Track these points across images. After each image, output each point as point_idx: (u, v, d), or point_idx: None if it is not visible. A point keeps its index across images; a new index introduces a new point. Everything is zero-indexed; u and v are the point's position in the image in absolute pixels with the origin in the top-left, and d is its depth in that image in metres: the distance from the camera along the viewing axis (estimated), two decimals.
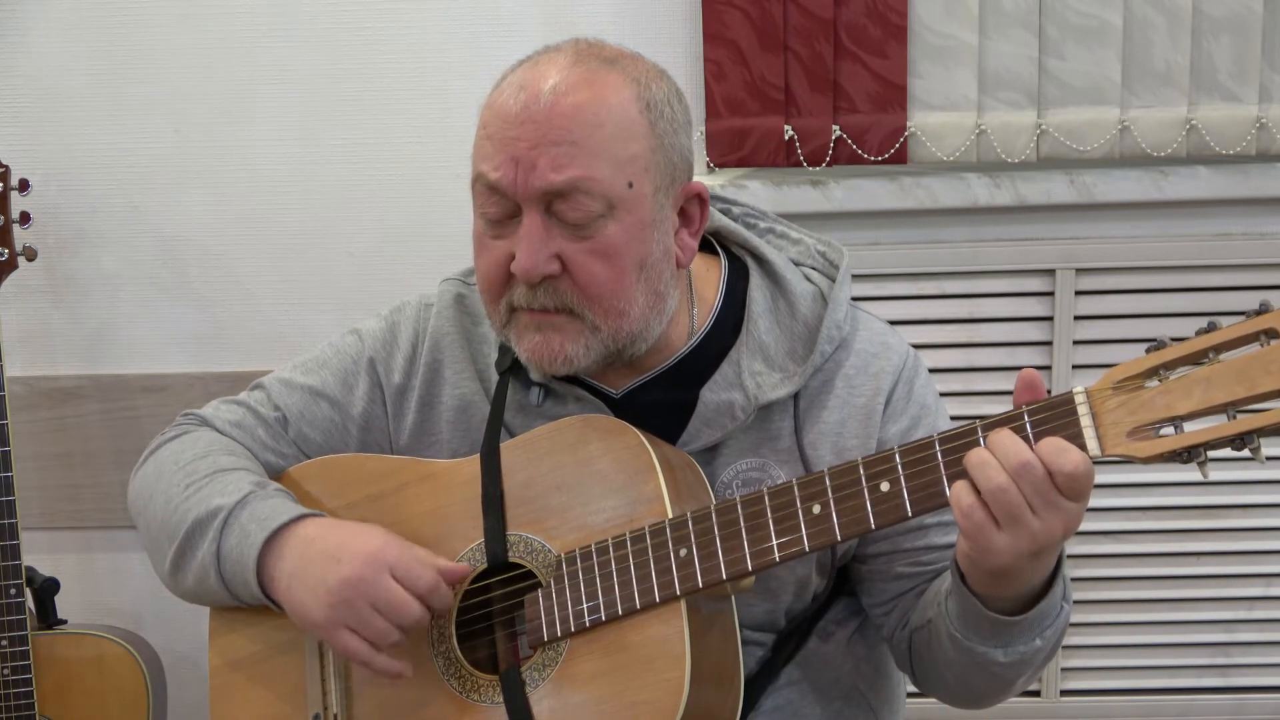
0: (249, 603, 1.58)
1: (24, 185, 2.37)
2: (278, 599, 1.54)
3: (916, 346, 1.69)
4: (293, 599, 1.52)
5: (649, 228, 1.49)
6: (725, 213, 1.67)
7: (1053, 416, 1.28)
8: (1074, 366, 2.57)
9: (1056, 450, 1.26)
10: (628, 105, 1.46)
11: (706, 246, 1.66)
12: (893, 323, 1.69)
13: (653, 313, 1.52)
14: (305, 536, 1.54)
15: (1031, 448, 1.27)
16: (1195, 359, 1.23)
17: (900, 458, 1.34)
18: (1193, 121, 2.43)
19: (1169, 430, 1.24)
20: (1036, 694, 2.70)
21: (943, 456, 1.32)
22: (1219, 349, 1.22)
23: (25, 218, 2.38)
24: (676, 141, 1.51)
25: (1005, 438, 1.28)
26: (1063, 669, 2.70)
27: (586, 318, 1.48)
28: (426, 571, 1.49)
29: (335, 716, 1.59)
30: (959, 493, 1.29)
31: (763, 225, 1.68)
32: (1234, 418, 1.21)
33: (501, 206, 1.47)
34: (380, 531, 1.53)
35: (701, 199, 1.55)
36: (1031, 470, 1.26)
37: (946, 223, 2.55)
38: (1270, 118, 2.42)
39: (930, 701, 2.65)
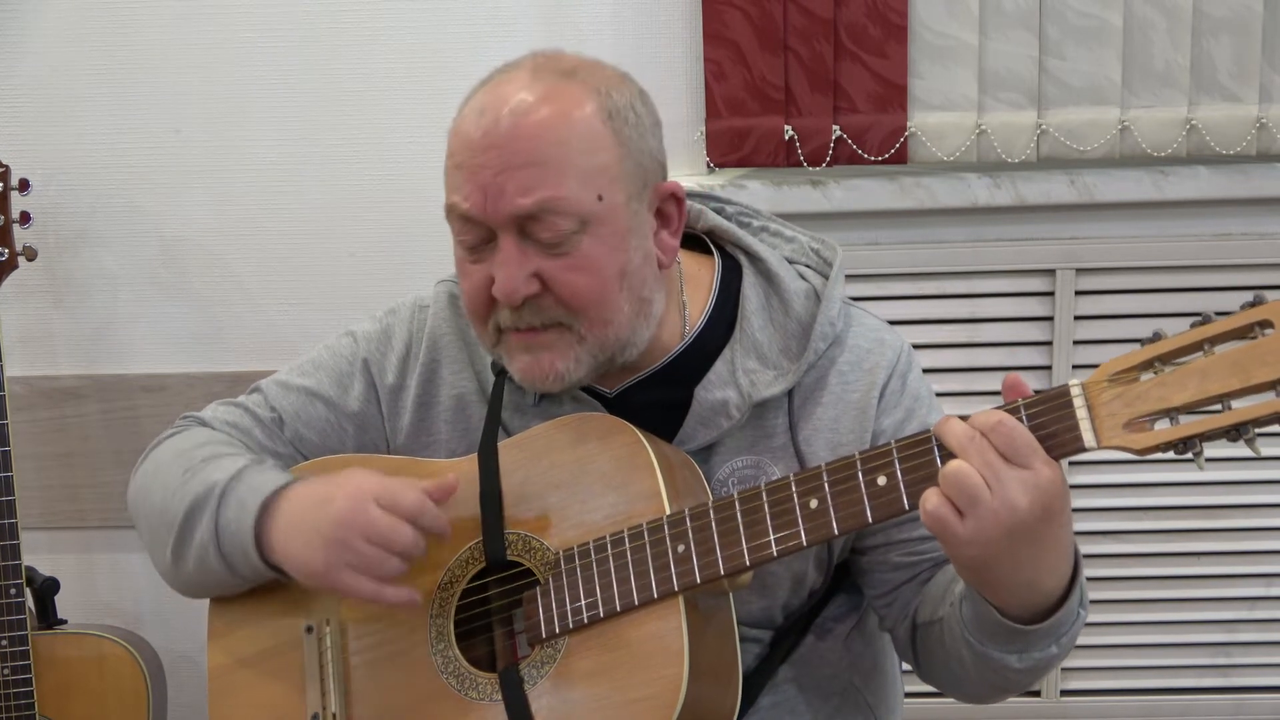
0: (249, 578, 1.58)
1: (24, 185, 2.37)
2: (276, 560, 1.54)
3: (917, 346, 1.69)
4: (291, 553, 1.52)
5: (625, 236, 1.48)
6: (719, 212, 1.67)
7: (1049, 409, 1.28)
8: (1074, 366, 2.57)
9: (981, 415, 1.27)
10: (590, 117, 1.46)
11: (701, 246, 1.66)
12: (893, 323, 1.69)
13: (639, 318, 1.51)
14: (296, 495, 1.55)
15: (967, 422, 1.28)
16: (1190, 351, 1.23)
17: (897, 452, 1.34)
18: (1193, 121, 2.43)
19: (1164, 422, 1.24)
20: (1037, 694, 2.70)
21: (939, 450, 1.32)
22: (1214, 341, 1.22)
23: (25, 218, 2.38)
24: (644, 145, 1.50)
25: (954, 425, 1.29)
26: (1063, 669, 2.69)
27: (575, 328, 1.48)
28: (410, 492, 1.48)
29: (334, 716, 1.58)
30: (925, 495, 1.29)
31: (756, 224, 1.68)
32: (1229, 409, 1.21)
33: (476, 233, 1.47)
34: (362, 470, 1.53)
35: (677, 198, 1.55)
36: (975, 441, 1.26)
37: (947, 223, 2.55)
38: (1270, 118, 2.42)
39: (929, 701, 2.64)
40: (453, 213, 1.48)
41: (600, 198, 1.45)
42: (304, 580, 1.54)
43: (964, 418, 1.30)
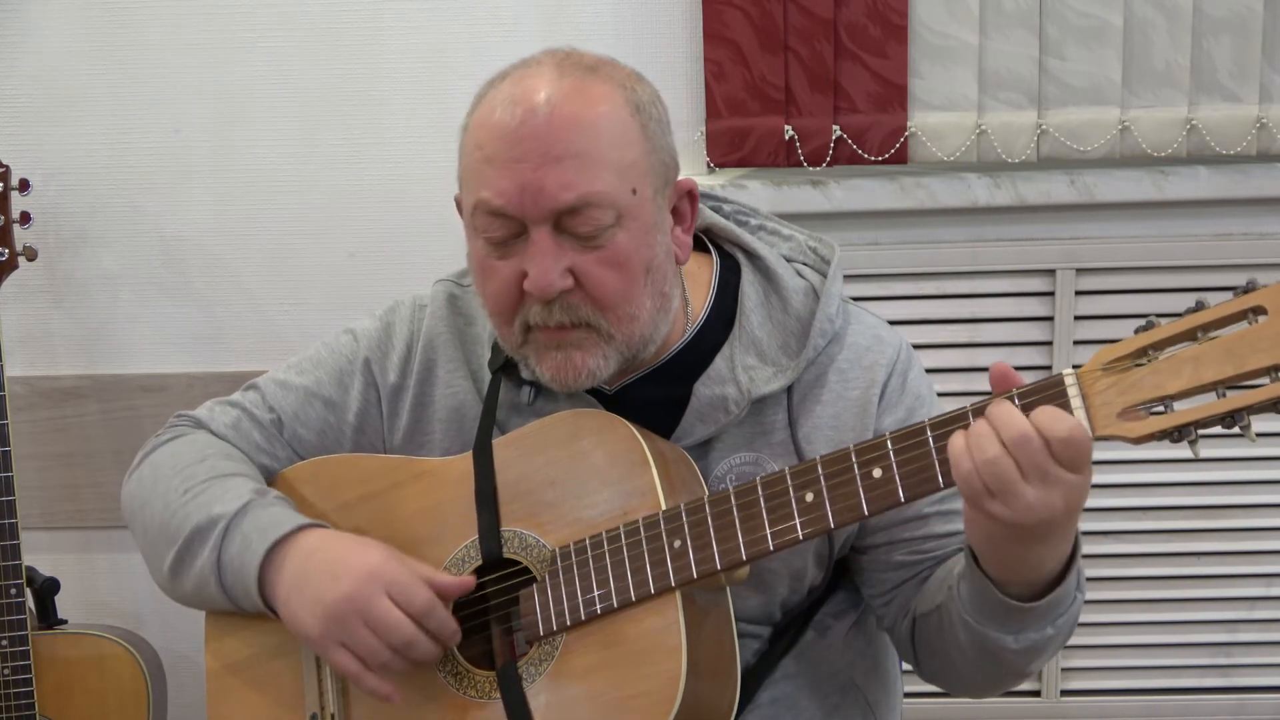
0: (248, 610, 1.58)
1: (24, 185, 2.37)
2: (276, 609, 1.54)
3: (917, 346, 1.69)
4: (290, 611, 1.52)
5: (652, 231, 1.49)
6: (716, 210, 1.67)
7: (1043, 399, 1.28)
8: (1074, 366, 2.56)
9: (1051, 418, 1.25)
10: (619, 111, 1.46)
11: (698, 244, 1.65)
12: (893, 323, 1.69)
13: (660, 314, 1.52)
14: (306, 549, 1.53)
15: (1029, 419, 1.26)
16: (1184, 338, 1.23)
17: (892, 444, 1.34)
18: (1193, 121, 2.43)
19: (1159, 410, 1.24)
20: (1036, 694, 2.69)
21: (934, 442, 1.32)
22: (1207, 328, 1.22)
23: (25, 218, 2.38)
24: (665, 142, 1.51)
25: (1004, 410, 1.27)
26: (1063, 669, 2.69)
27: (602, 328, 1.48)
28: (422, 591, 1.48)
29: (332, 716, 1.58)
30: (958, 458, 1.28)
31: (754, 222, 1.68)
32: (1224, 396, 1.21)
33: (507, 228, 1.46)
34: (380, 548, 1.52)
35: (691, 195, 1.56)
36: (1029, 442, 1.25)
37: (947, 223, 2.55)
38: (1270, 118, 2.42)
39: (929, 701, 2.64)
40: (480, 208, 1.46)
41: (634, 191, 1.45)
42: (295, 636, 1.54)
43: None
